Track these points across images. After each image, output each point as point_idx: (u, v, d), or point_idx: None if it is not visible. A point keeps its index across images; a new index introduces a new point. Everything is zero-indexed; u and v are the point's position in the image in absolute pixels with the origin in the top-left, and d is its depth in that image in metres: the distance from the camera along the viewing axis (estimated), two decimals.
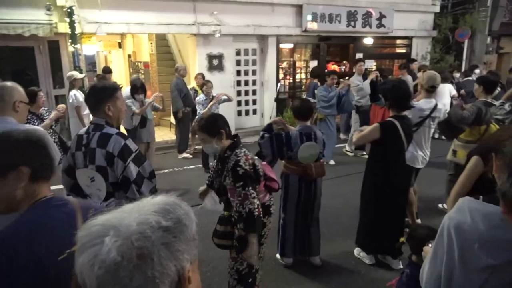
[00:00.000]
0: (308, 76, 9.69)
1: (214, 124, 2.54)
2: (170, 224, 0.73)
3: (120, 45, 12.11)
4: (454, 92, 8.03)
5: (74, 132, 4.72)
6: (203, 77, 7.38)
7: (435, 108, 3.99)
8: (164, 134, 9.17)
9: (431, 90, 4.06)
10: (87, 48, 9.38)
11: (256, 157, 2.79)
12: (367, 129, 3.55)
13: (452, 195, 2.36)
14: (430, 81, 4.04)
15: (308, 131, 3.47)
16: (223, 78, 8.62)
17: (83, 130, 2.28)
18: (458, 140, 4.40)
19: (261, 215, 2.46)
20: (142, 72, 10.26)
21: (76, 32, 6.97)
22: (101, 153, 2.11)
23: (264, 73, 9.47)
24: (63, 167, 2.33)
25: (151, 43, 10.07)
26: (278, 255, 3.75)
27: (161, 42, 10.50)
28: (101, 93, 2.22)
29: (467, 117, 4.12)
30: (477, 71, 9.39)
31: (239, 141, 2.60)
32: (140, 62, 10.65)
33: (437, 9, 11.31)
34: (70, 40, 7.05)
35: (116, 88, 2.30)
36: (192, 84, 8.01)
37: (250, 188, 2.40)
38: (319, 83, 7.75)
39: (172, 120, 8.35)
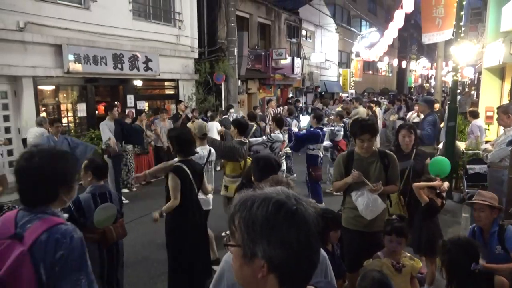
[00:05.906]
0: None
1: None
2: None
3: None
4: (220, 128, 9.23)
5: None
6: None
7: (210, 152, 4.40)
8: None
9: (203, 138, 4.42)
10: None
11: None
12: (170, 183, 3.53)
13: None
14: (201, 130, 4.38)
15: (102, 191, 3.23)
16: None
17: None
18: (226, 176, 5.06)
19: None
20: None
21: None
22: None
23: (20, 119, 8.20)
24: None
25: None
26: None
27: None
28: None
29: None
30: (232, 110, 11.06)
31: None
32: None
33: (196, 55, 12.77)
34: None
35: None
36: None
37: None
38: None
39: None
